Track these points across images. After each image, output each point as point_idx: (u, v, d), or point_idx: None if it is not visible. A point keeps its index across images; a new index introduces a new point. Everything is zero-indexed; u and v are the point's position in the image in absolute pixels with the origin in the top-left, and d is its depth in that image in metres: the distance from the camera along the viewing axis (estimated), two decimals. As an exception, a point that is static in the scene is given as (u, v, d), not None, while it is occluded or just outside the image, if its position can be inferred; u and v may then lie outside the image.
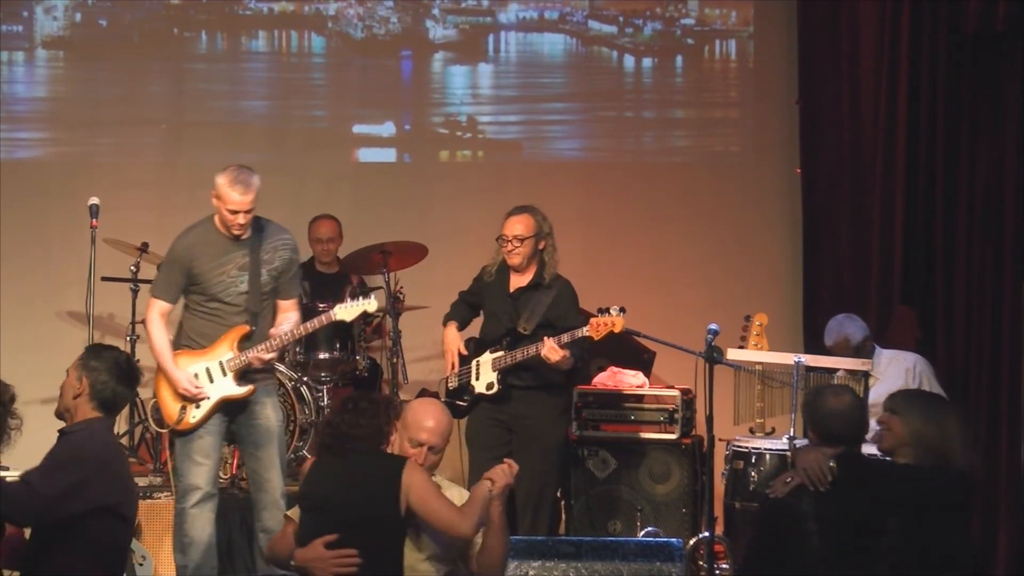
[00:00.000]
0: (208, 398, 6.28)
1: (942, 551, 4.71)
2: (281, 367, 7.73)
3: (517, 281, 6.82)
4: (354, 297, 6.53)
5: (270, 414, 6.42)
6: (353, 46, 9.12)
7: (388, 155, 9.27)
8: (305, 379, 7.82)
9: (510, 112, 9.23)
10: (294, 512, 4.98)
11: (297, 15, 9.13)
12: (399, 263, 7.91)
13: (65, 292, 8.49)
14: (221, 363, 6.28)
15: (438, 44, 9.10)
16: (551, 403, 6.74)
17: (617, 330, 6.51)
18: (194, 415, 6.28)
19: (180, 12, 9.13)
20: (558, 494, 7.56)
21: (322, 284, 8.42)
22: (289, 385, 7.62)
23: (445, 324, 6.96)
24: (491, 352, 6.74)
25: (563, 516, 7.40)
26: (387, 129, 9.18)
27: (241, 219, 6.23)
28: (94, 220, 6.71)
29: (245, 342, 6.30)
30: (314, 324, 6.48)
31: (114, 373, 4.75)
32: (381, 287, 7.89)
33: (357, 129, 9.21)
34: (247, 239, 6.31)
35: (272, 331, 6.34)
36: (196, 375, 6.27)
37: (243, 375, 6.31)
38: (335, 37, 9.11)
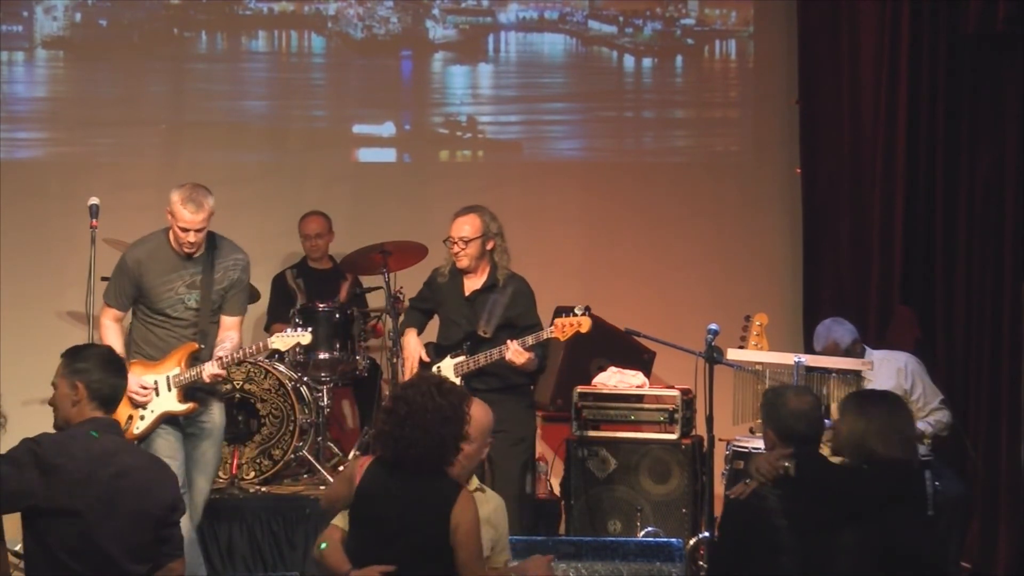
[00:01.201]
0: (151, 408, 6.32)
1: (903, 548, 4.76)
2: (281, 367, 7.74)
3: (471, 284, 6.75)
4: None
5: (216, 417, 6.47)
6: (353, 46, 9.12)
7: (388, 155, 9.27)
8: (305, 379, 7.82)
9: (510, 112, 9.22)
10: (340, 520, 4.85)
11: (297, 15, 9.13)
12: (399, 263, 7.91)
13: (65, 292, 8.49)
14: (168, 378, 6.30)
15: (438, 44, 9.11)
16: (517, 403, 6.68)
17: (584, 330, 6.46)
18: (138, 426, 6.31)
19: (180, 12, 9.13)
20: (556, 493, 7.59)
21: (316, 280, 8.44)
22: (289, 385, 7.62)
23: (403, 332, 6.92)
24: (452, 357, 6.69)
25: (563, 516, 7.40)
26: (387, 129, 9.18)
27: (192, 237, 6.27)
28: (94, 220, 6.71)
29: (194, 360, 6.33)
30: (251, 351, 6.50)
31: (105, 368, 4.71)
32: (381, 287, 7.89)
33: (357, 129, 9.21)
34: (199, 257, 6.35)
35: (218, 351, 6.35)
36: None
37: (188, 392, 6.34)
38: (335, 37, 9.11)
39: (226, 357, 6.31)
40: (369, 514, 4.73)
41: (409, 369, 6.76)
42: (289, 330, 6.53)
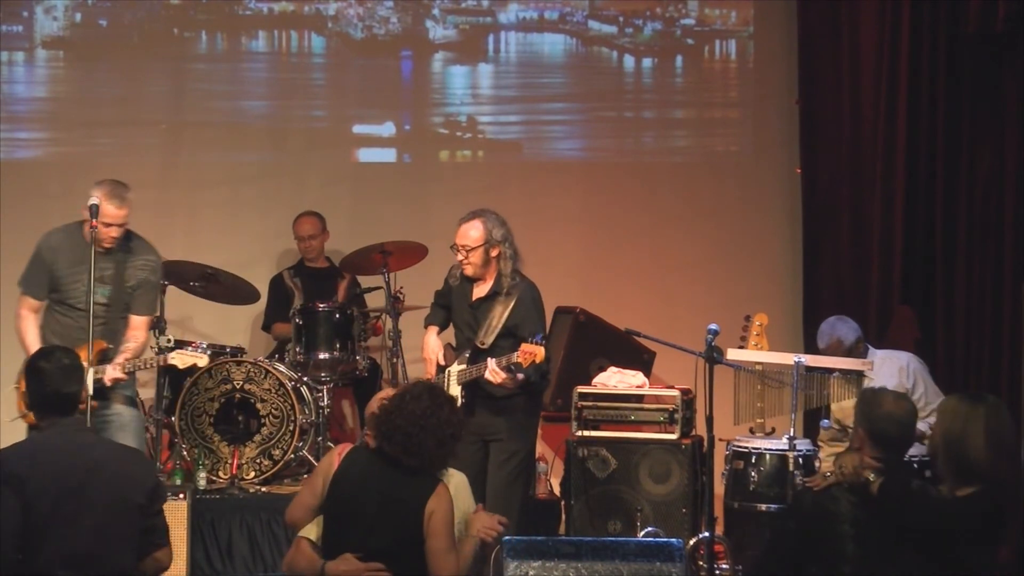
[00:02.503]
0: None
1: (969, 570, 4.62)
2: (281, 367, 7.74)
3: (478, 291, 6.66)
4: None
5: (122, 411, 6.50)
6: (353, 46, 9.11)
7: (388, 155, 9.27)
8: (305, 379, 7.81)
9: (510, 112, 9.22)
10: (308, 531, 4.88)
11: (297, 15, 9.13)
12: (399, 263, 7.91)
13: (65, 292, 8.49)
14: None
15: (438, 44, 9.10)
16: (514, 413, 6.62)
17: (539, 360, 6.31)
18: None
19: (180, 12, 9.13)
20: (556, 493, 7.58)
21: (313, 280, 8.45)
22: (289, 385, 7.62)
23: (426, 327, 6.87)
24: (457, 364, 6.65)
25: (563, 516, 7.40)
26: (387, 129, 9.18)
27: (114, 232, 6.41)
28: (94, 220, 6.71)
29: (101, 358, 6.41)
30: (150, 364, 6.59)
31: (34, 377, 4.69)
32: (381, 287, 7.90)
33: (357, 129, 9.20)
34: (111, 254, 6.46)
35: (122, 357, 6.41)
36: None
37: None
38: (335, 37, 9.11)
39: (127, 363, 6.37)
40: (347, 501, 4.76)
41: (428, 371, 6.72)
42: (190, 348, 6.61)
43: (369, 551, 4.68)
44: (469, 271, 6.61)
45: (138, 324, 6.56)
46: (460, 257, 6.60)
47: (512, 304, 6.56)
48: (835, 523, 4.62)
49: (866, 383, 6.86)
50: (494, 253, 6.57)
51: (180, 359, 6.56)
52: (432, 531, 4.68)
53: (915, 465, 6.38)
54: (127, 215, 6.44)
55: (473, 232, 6.56)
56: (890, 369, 7.18)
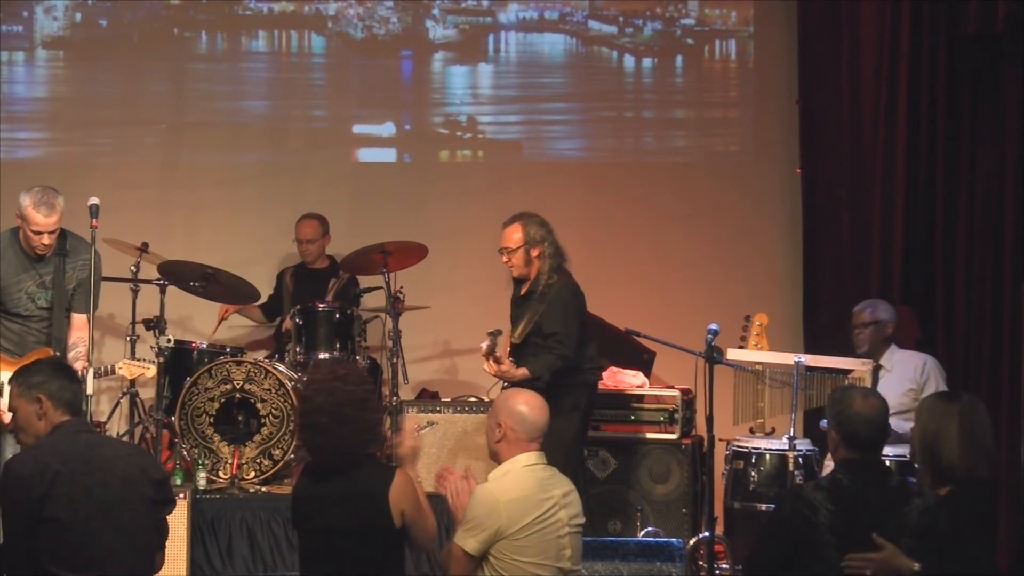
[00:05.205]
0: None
1: (962, 566, 4.60)
2: (281, 367, 7.74)
3: (523, 290, 6.89)
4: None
5: None
6: (353, 46, 9.12)
7: (388, 155, 9.27)
8: (305, 379, 7.81)
9: (510, 112, 9.22)
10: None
11: (297, 15, 9.13)
12: (399, 263, 7.91)
13: (65, 292, 8.49)
14: None
15: (438, 44, 9.10)
16: (554, 404, 6.67)
17: (482, 353, 6.57)
18: None
19: (180, 12, 9.13)
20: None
21: (307, 280, 8.46)
22: (289, 385, 7.62)
23: None
24: None
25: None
26: (387, 129, 9.18)
27: (46, 240, 6.39)
28: (94, 220, 6.70)
29: None
30: (99, 373, 6.56)
31: (60, 375, 4.66)
32: (381, 287, 7.90)
33: (357, 129, 9.21)
34: (50, 257, 6.46)
35: (79, 364, 6.34)
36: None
37: None
38: (335, 37, 9.11)
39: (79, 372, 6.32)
40: (309, 524, 4.74)
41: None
42: (141, 359, 6.66)
43: (341, 562, 4.63)
44: (514, 272, 6.85)
45: (82, 323, 6.51)
46: (503, 260, 6.83)
47: (545, 304, 6.73)
48: (816, 531, 4.59)
49: (883, 374, 6.93)
50: (535, 253, 6.81)
51: (128, 370, 6.62)
52: (410, 524, 4.65)
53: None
54: (57, 221, 6.41)
55: (514, 235, 6.82)
56: (907, 366, 7.28)
